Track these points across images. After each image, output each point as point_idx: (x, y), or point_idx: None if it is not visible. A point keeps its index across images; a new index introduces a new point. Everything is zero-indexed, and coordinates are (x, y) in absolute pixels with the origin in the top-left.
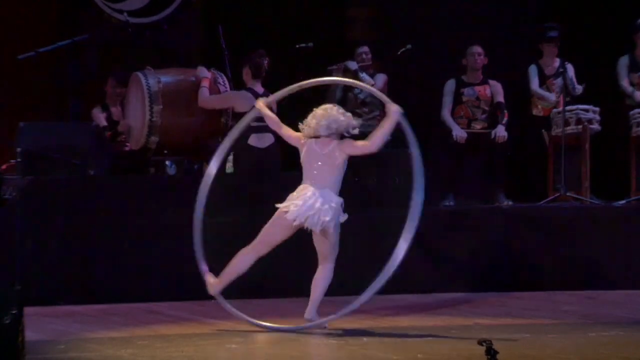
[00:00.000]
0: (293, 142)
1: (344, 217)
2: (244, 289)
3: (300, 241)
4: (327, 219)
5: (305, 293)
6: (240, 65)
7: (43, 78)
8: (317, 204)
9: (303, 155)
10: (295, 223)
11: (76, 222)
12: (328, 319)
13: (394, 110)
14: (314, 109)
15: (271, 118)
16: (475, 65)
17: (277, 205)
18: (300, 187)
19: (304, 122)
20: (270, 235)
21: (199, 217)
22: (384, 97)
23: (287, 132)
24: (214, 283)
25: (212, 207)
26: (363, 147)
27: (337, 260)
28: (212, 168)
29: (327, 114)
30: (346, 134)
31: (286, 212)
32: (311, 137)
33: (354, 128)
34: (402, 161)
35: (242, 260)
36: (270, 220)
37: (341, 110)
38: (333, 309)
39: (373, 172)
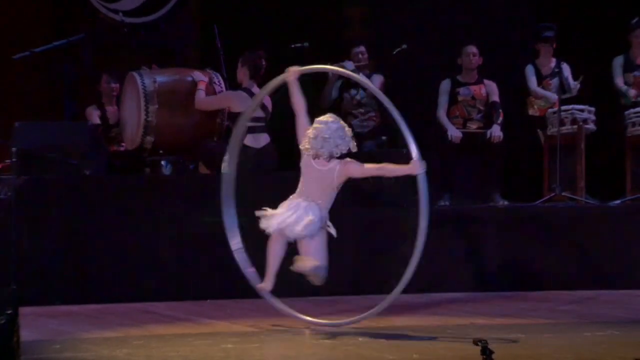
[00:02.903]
0: (299, 140)
1: (330, 230)
2: (244, 289)
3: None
4: (299, 229)
5: (307, 293)
6: (236, 65)
7: (38, 78)
8: (292, 218)
9: (302, 162)
10: (268, 231)
11: (72, 222)
12: (361, 317)
13: (418, 166)
14: (315, 120)
15: (300, 99)
16: (470, 65)
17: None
18: (291, 197)
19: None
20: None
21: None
22: (410, 141)
23: (302, 126)
24: (264, 287)
25: (209, 207)
26: (370, 170)
27: (332, 260)
28: (227, 169)
29: (326, 134)
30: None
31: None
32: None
33: (351, 150)
34: (400, 161)
35: (275, 248)
36: None
37: (342, 127)
38: (334, 309)
39: None
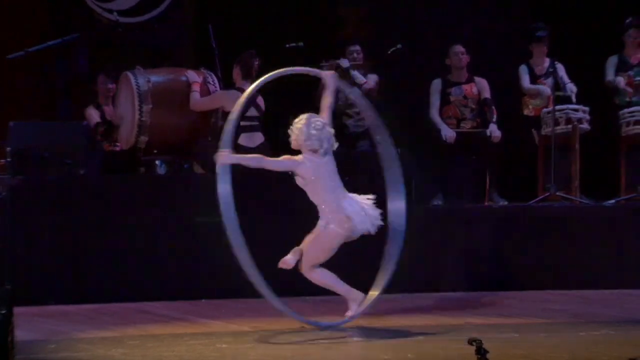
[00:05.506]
0: (288, 167)
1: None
2: (240, 289)
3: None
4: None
5: (304, 293)
6: (231, 65)
7: (33, 78)
8: (364, 212)
9: (311, 171)
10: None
11: (66, 222)
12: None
13: (329, 75)
14: (301, 118)
15: (252, 158)
16: (459, 63)
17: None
18: (339, 199)
19: (296, 131)
20: (326, 252)
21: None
22: (315, 71)
23: (274, 162)
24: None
25: (204, 207)
26: None
27: (326, 262)
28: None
29: (321, 130)
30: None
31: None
32: (308, 150)
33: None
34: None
35: (325, 274)
36: (324, 240)
37: (324, 123)
38: (330, 309)
39: (366, 171)
